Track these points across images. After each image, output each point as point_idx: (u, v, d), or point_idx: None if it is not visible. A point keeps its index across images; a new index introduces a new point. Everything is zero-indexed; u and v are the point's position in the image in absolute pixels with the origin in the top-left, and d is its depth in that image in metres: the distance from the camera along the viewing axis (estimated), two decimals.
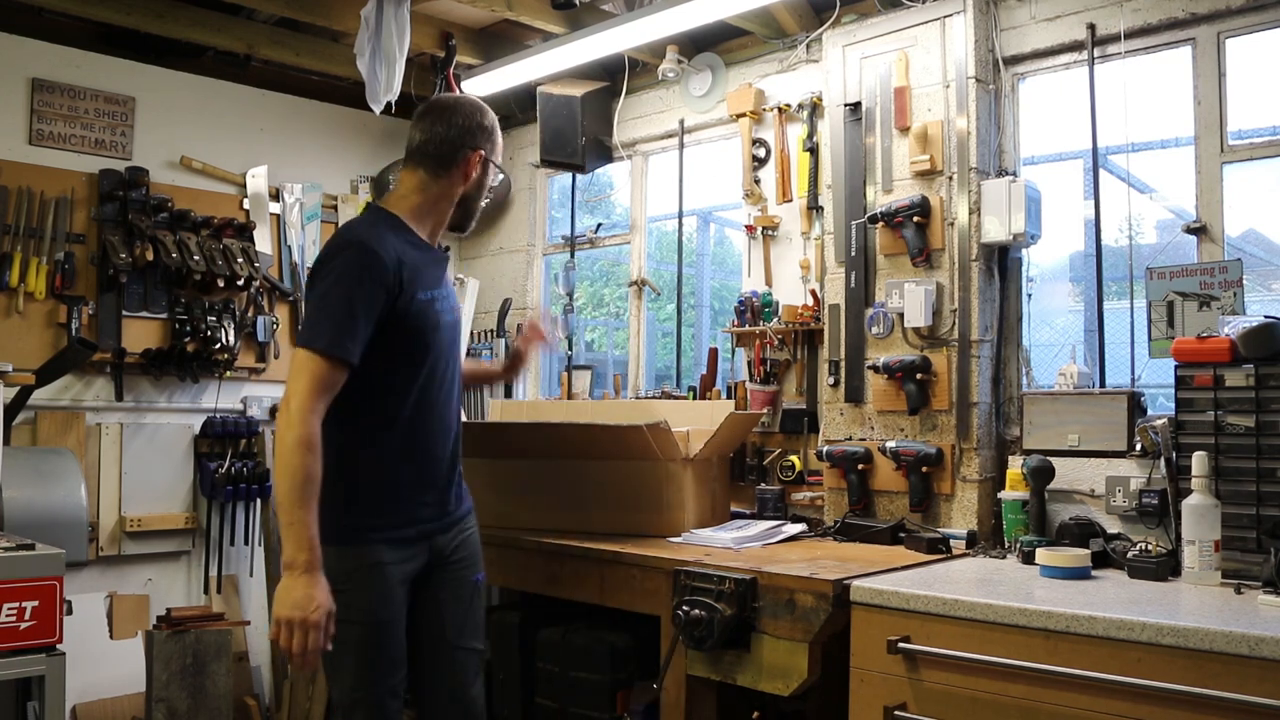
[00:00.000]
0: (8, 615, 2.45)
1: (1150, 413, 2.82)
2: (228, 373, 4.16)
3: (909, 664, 2.20)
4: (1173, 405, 2.56)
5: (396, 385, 2.28)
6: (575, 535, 3.01)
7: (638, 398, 4.05)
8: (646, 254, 4.35)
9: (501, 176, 2.58)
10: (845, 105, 3.32)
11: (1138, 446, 2.73)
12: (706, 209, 4.30)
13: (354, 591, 2.21)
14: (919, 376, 3.07)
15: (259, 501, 4.21)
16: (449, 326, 2.40)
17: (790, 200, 3.68)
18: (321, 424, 2.13)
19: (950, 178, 3.09)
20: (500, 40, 4.19)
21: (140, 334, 4.01)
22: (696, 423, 3.19)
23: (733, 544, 2.82)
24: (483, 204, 2.48)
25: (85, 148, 3.96)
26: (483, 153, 2.37)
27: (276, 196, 4.46)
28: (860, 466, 3.15)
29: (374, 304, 2.17)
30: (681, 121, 4.06)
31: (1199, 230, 2.82)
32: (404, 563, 2.30)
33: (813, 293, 3.54)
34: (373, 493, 2.27)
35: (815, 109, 3.57)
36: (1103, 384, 2.94)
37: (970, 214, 3.04)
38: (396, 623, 2.30)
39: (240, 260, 4.08)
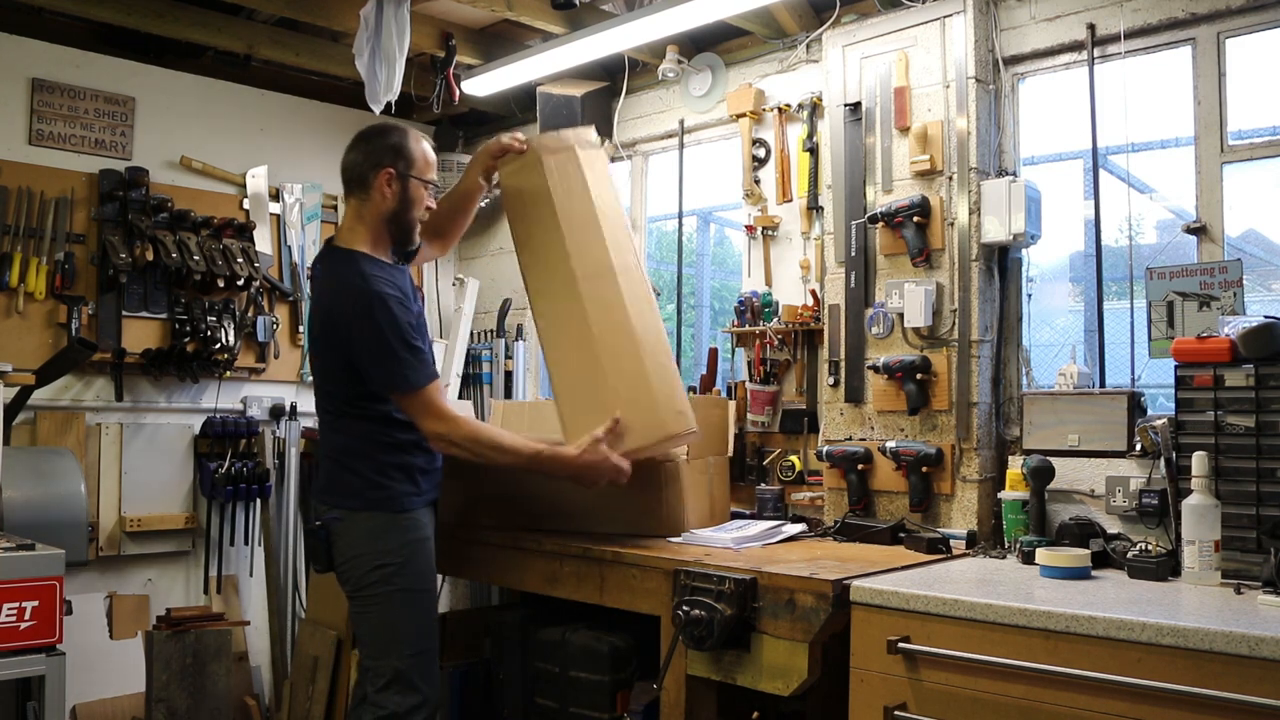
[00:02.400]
0: (8, 615, 2.46)
1: (1150, 413, 2.82)
2: (228, 373, 4.17)
3: (909, 664, 2.20)
4: (1173, 405, 2.56)
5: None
6: (575, 535, 3.01)
7: None
8: (646, 254, 4.35)
9: (435, 192, 2.67)
10: (845, 105, 3.32)
11: (1138, 446, 2.73)
12: (706, 209, 4.30)
13: (410, 561, 2.56)
14: (919, 376, 3.07)
15: (259, 501, 4.22)
16: (424, 324, 2.70)
17: (790, 200, 3.68)
18: (343, 418, 2.60)
19: (950, 178, 3.09)
20: (500, 40, 4.19)
21: (140, 334, 4.01)
22: None
23: (733, 544, 2.82)
24: (416, 217, 2.62)
25: (85, 148, 3.96)
26: (391, 170, 2.55)
27: (276, 196, 4.46)
28: (860, 466, 3.15)
29: (411, 327, 2.52)
30: (681, 121, 4.06)
31: (1199, 230, 2.82)
32: (433, 536, 2.69)
33: (813, 293, 3.54)
34: (402, 465, 2.60)
35: (815, 109, 3.57)
36: (1103, 384, 2.94)
37: (970, 214, 3.04)
38: (435, 591, 2.72)
39: (240, 260, 4.09)
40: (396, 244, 2.66)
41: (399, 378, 2.50)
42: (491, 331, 4.64)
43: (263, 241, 4.33)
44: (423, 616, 2.61)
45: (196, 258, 3.98)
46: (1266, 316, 2.43)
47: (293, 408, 4.32)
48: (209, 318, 4.09)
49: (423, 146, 2.63)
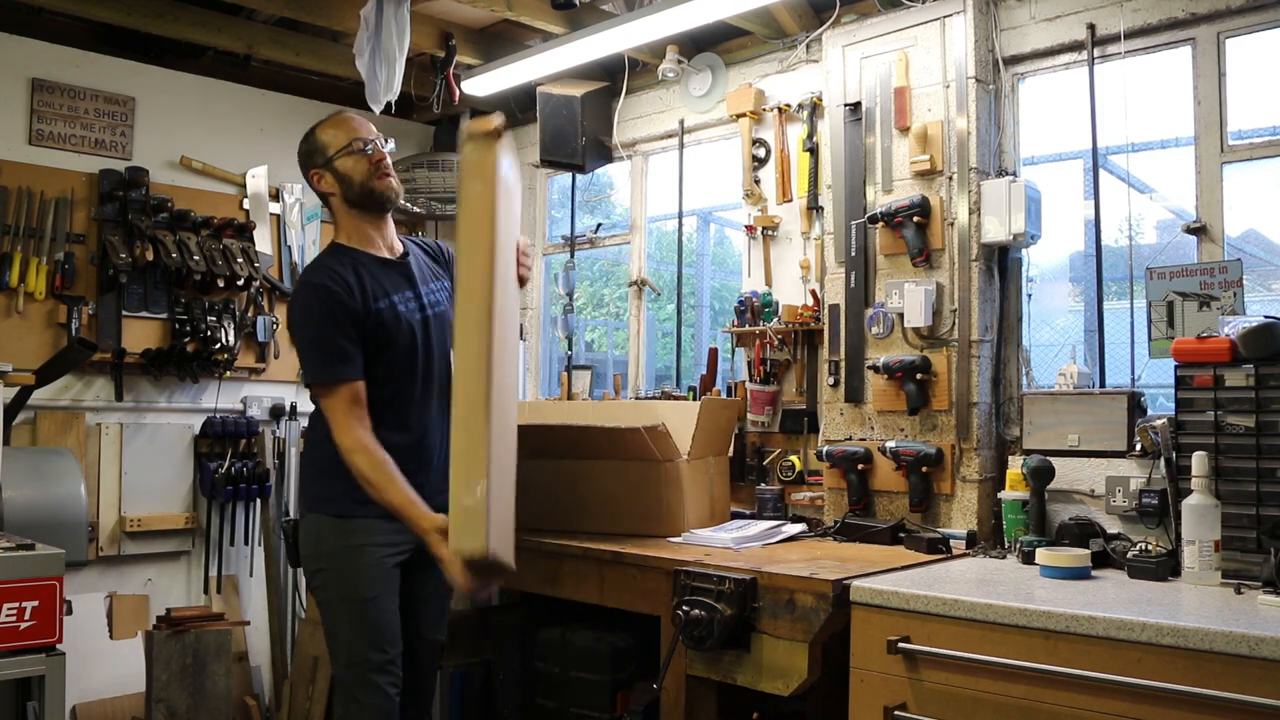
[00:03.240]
0: (8, 615, 2.45)
1: (1150, 413, 2.82)
2: (228, 373, 4.16)
3: (909, 664, 2.20)
4: (1173, 405, 2.56)
5: (370, 379, 2.41)
6: (575, 535, 3.01)
7: (638, 398, 4.05)
8: (646, 254, 4.35)
9: (370, 147, 2.48)
10: (845, 105, 3.32)
11: (1138, 446, 2.73)
12: (706, 209, 4.30)
13: (340, 569, 2.41)
14: (919, 376, 3.07)
15: (259, 501, 4.22)
16: (419, 324, 2.51)
17: (790, 200, 3.68)
18: (312, 417, 2.48)
19: (950, 178, 3.09)
20: (500, 40, 4.19)
21: (140, 334, 4.01)
22: (694, 423, 3.19)
23: (733, 544, 2.82)
24: (379, 181, 2.48)
25: (85, 148, 3.96)
26: (316, 170, 2.50)
27: (276, 196, 4.45)
28: (860, 466, 3.15)
29: (340, 324, 2.37)
30: (681, 121, 4.06)
31: (1199, 230, 2.82)
32: (393, 545, 2.44)
33: (813, 293, 3.54)
34: (345, 472, 2.37)
35: (815, 109, 3.57)
36: (1103, 384, 2.94)
37: (970, 214, 3.04)
38: (383, 600, 2.43)
39: (240, 260, 4.08)
40: (377, 211, 2.52)
41: (306, 371, 2.42)
42: None
43: (263, 241, 4.33)
44: (360, 626, 2.39)
45: (196, 258, 3.98)
46: (1266, 316, 2.43)
47: (292, 407, 4.32)
48: (209, 318, 4.09)
49: (331, 127, 2.51)
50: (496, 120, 2.18)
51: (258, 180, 4.38)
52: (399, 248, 2.58)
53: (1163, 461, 2.61)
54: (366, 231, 2.52)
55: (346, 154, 2.46)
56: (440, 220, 4.73)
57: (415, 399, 2.49)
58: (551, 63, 3.88)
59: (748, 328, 3.64)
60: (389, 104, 3.66)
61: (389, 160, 2.52)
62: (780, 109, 3.70)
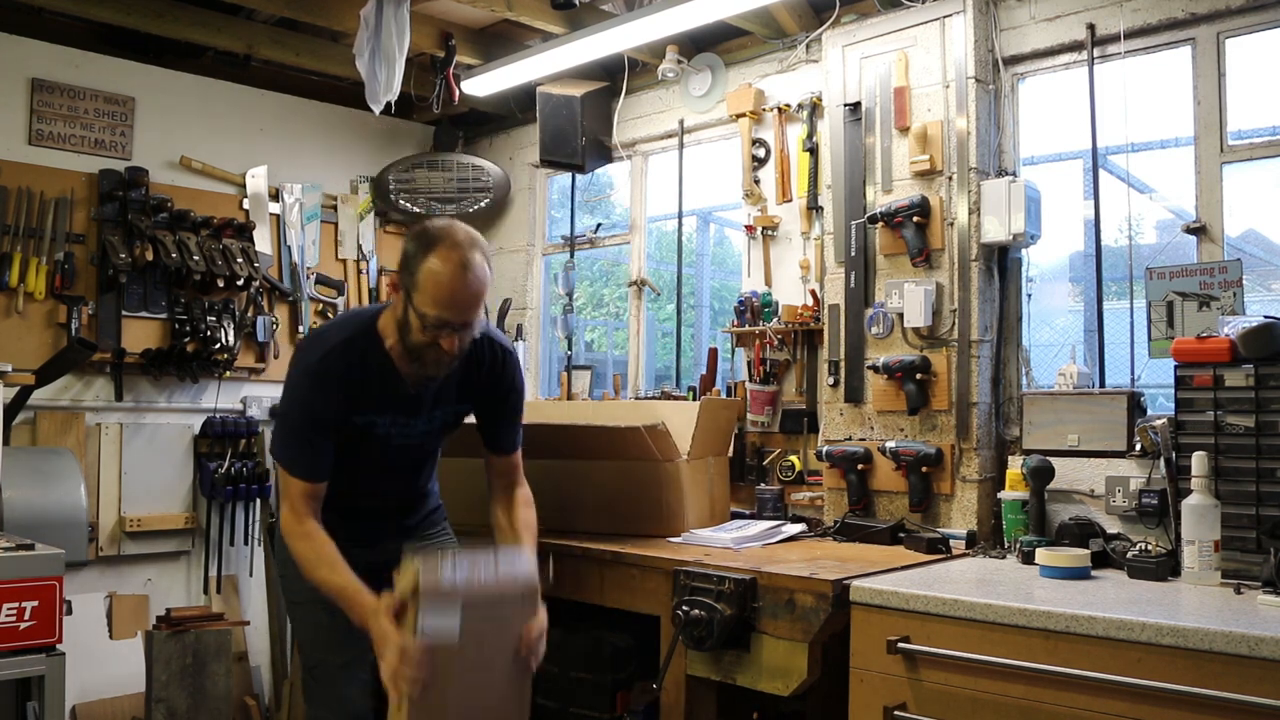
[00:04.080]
0: (8, 615, 2.45)
1: (1150, 413, 2.82)
2: (227, 373, 4.17)
3: (909, 664, 2.20)
4: (1172, 405, 2.56)
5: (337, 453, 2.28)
6: (575, 535, 3.01)
7: (637, 398, 4.05)
8: (646, 254, 4.35)
9: (445, 336, 2.17)
10: (845, 105, 3.32)
11: (1137, 446, 2.73)
12: (706, 209, 4.30)
13: (294, 575, 2.31)
14: (919, 376, 3.07)
15: (259, 501, 4.22)
16: (399, 449, 2.37)
17: (790, 200, 3.68)
18: None
19: (950, 178, 3.09)
20: (500, 40, 4.19)
21: (140, 334, 4.01)
22: (694, 423, 3.19)
23: (732, 544, 2.82)
24: (428, 365, 2.22)
25: (85, 148, 3.96)
26: (401, 284, 2.19)
27: (276, 197, 4.46)
28: (860, 466, 3.15)
29: (322, 426, 2.22)
30: (681, 121, 4.06)
31: (1199, 230, 2.82)
32: (356, 551, 2.26)
33: (812, 293, 3.54)
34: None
35: (815, 109, 3.57)
36: (1102, 384, 2.94)
37: (970, 214, 3.04)
38: None
39: (240, 260, 4.09)
40: (412, 366, 2.26)
41: (276, 441, 2.30)
42: None
43: (262, 241, 4.33)
44: (312, 631, 2.37)
45: (196, 258, 3.98)
46: (1266, 316, 2.43)
47: None
48: (209, 318, 4.09)
49: (433, 275, 2.11)
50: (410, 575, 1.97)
51: (257, 180, 4.38)
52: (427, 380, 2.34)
53: (1162, 461, 2.61)
54: (403, 355, 2.26)
55: (426, 315, 2.14)
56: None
57: (361, 491, 2.40)
58: (551, 63, 3.89)
59: (747, 328, 3.64)
60: (389, 104, 3.66)
61: (460, 351, 2.21)
62: (780, 109, 3.70)
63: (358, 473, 2.35)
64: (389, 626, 1.96)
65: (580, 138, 4.12)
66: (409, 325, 2.18)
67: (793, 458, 3.51)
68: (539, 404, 4.32)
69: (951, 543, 2.84)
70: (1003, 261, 3.12)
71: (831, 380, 3.33)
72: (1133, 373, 2.91)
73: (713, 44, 3.97)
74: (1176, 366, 2.50)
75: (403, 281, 2.18)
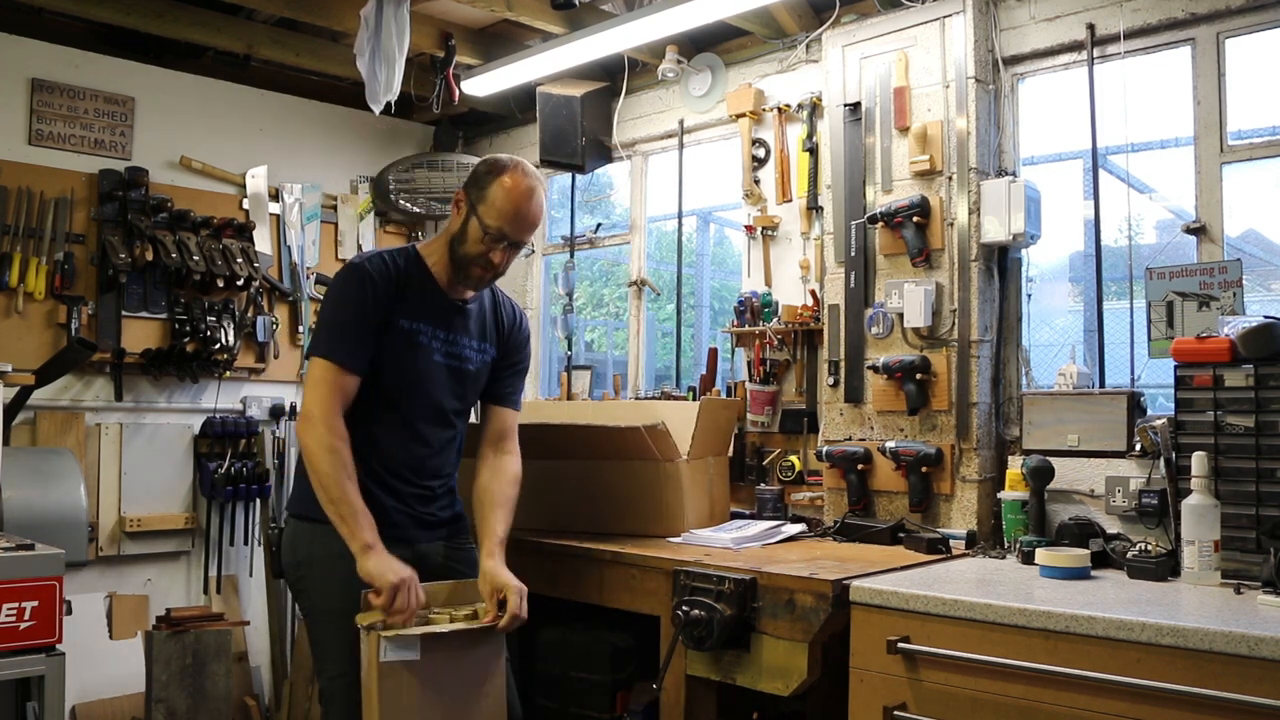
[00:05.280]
0: (8, 615, 2.45)
1: (1150, 413, 2.82)
2: (227, 373, 4.17)
3: (909, 664, 2.20)
4: (1172, 405, 2.56)
5: (366, 390, 2.32)
6: (575, 535, 3.01)
7: (637, 398, 4.05)
8: (646, 254, 4.35)
9: (499, 250, 2.34)
10: (845, 105, 3.32)
11: (1137, 446, 2.73)
12: (706, 209, 4.30)
13: (321, 579, 2.32)
14: (919, 376, 3.07)
15: (258, 501, 4.22)
16: (438, 366, 2.40)
17: (790, 200, 3.68)
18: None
19: (950, 178, 3.09)
20: (500, 40, 4.19)
21: (140, 334, 4.01)
22: (693, 423, 3.19)
23: (732, 544, 2.82)
24: (475, 273, 2.36)
25: (85, 148, 3.96)
26: (464, 201, 2.36)
27: (276, 197, 4.46)
28: (860, 466, 3.15)
29: (364, 315, 2.29)
30: (681, 121, 4.06)
31: (1199, 230, 2.82)
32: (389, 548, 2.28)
33: (812, 293, 3.54)
34: None
35: (815, 109, 3.57)
36: (1102, 384, 2.94)
37: (970, 214, 3.04)
38: None
39: (240, 260, 4.09)
40: (454, 276, 2.40)
41: (313, 340, 2.34)
42: None
43: (262, 241, 4.34)
44: (343, 638, 2.26)
45: (196, 258, 3.98)
46: (1266, 316, 2.43)
47: (292, 408, 4.32)
48: (209, 318, 4.09)
49: (504, 190, 2.32)
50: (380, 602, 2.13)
51: (257, 180, 4.38)
52: (469, 295, 2.47)
53: (1162, 461, 2.61)
54: (442, 264, 2.41)
55: (480, 225, 2.32)
56: (439, 220, 4.73)
57: (409, 420, 2.39)
58: (551, 63, 3.89)
59: (747, 328, 3.64)
60: (388, 104, 3.66)
61: (502, 270, 2.39)
62: (780, 109, 3.70)
63: (400, 398, 2.36)
64: (392, 561, 2.16)
65: (580, 138, 4.12)
66: (466, 236, 2.35)
67: (793, 458, 3.51)
68: (539, 404, 4.32)
69: (951, 543, 2.84)
70: (1003, 261, 3.13)
71: (831, 380, 3.33)
72: (1133, 373, 2.91)
73: (713, 44, 3.97)
74: (1176, 366, 2.50)
75: (469, 196, 2.36)
